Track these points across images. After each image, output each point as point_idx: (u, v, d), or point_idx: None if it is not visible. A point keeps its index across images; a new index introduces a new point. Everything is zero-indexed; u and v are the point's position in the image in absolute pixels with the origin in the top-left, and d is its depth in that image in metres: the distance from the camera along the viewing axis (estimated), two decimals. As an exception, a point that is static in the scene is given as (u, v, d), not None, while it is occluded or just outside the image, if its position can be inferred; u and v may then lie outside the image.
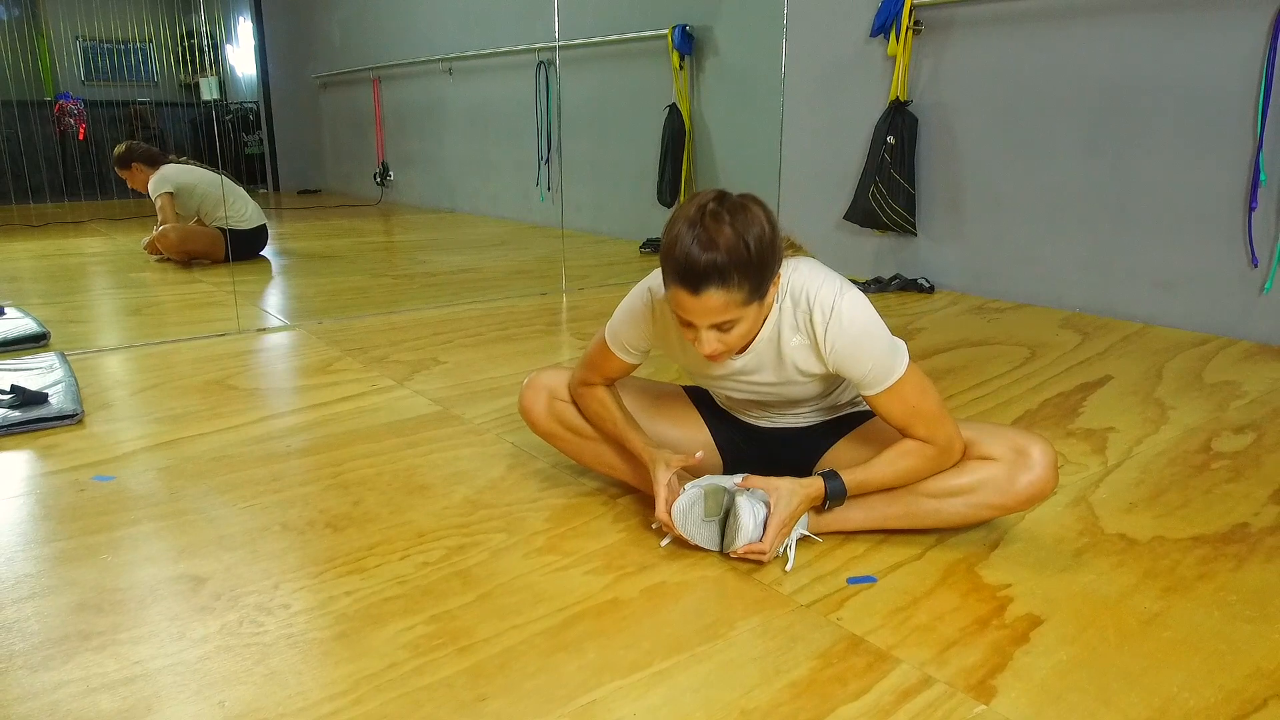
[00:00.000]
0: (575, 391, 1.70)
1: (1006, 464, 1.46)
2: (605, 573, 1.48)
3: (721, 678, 1.19)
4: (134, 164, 4.59)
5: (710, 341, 1.35)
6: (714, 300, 1.28)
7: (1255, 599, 1.39)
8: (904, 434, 1.47)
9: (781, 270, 1.38)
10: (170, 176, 4.59)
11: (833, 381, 1.55)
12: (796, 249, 1.47)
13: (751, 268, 1.28)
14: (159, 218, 4.55)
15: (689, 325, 1.35)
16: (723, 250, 1.25)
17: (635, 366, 1.63)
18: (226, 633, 1.29)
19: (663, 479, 1.53)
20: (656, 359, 2.70)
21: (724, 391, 1.63)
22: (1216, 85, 2.98)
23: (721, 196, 1.31)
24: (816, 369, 1.46)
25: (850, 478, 1.48)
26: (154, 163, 4.61)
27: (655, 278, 1.48)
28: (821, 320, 1.39)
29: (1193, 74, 3.04)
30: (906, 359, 1.43)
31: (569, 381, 1.72)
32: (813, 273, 1.43)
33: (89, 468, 1.92)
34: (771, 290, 1.35)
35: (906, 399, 1.42)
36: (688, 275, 1.27)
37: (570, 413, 1.72)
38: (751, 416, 1.68)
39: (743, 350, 1.48)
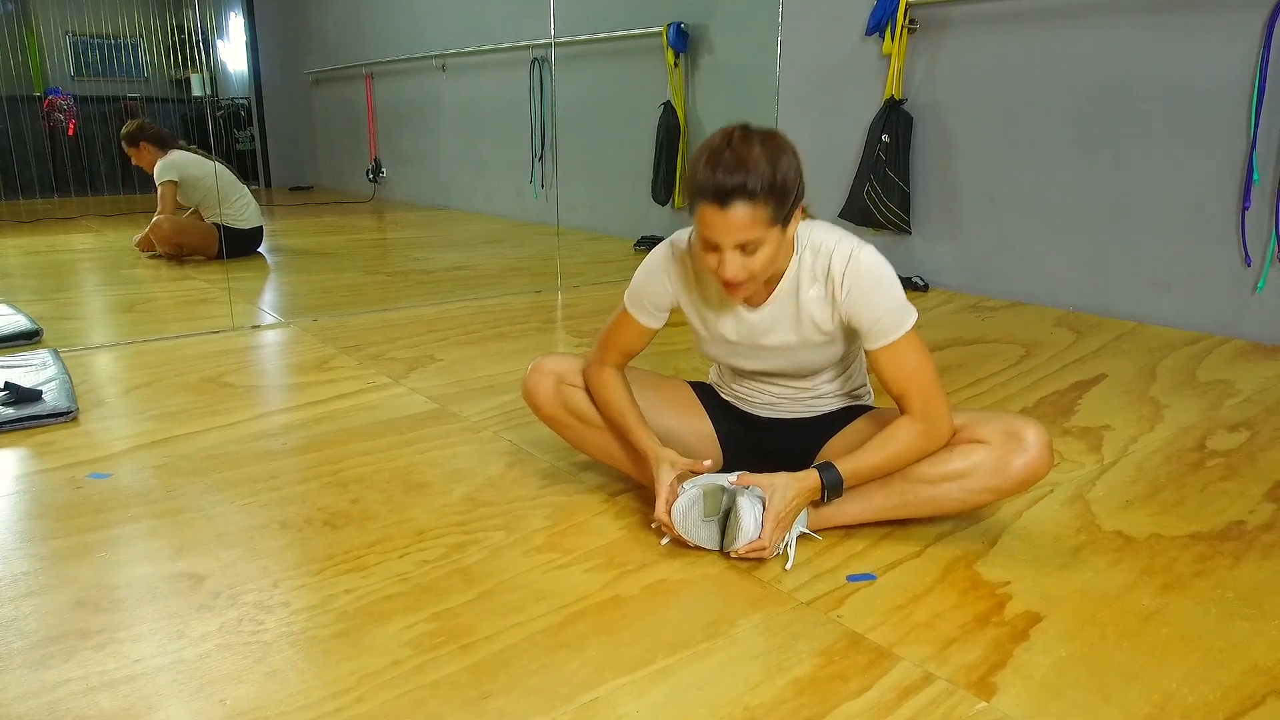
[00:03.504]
0: (589, 372, 1.69)
1: (999, 446, 1.46)
2: (606, 570, 1.48)
3: (724, 675, 1.19)
4: (142, 143, 4.51)
5: (733, 264, 1.36)
6: (740, 216, 1.31)
7: (1252, 596, 1.40)
8: (900, 402, 1.48)
9: (801, 227, 1.46)
10: (177, 164, 4.51)
11: (842, 347, 1.55)
12: (808, 215, 1.51)
13: (777, 187, 1.32)
14: (159, 206, 4.49)
15: (713, 250, 1.37)
16: (751, 168, 1.30)
17: (652, 336, 1.64)
18: (226, 631, 1.29)
19: (666, 479, 1.53)
20: (656, 357, 2.70)
21: (737, 362, 1.62)
22: (1210, 85, 3.00)
23: (748, 125, 1.36)
24: (830, 319, 1.48)
25: (844, 466, 1.48)
26: (163, 145, 4.54)
27: (676, 234, 1.57)
28: (840, 266, 1.43)
29: (1187, 73, 3.05)
30: (914, 320, 1.45)
31: (583, 364, 1.72)
32: (830, 230, 1.49)
33: (84, 465, 1.91)
34: (793, 224, 1.39)
35: (907, 359, 1.45)
36: (716, 190, 1.31)
37: (577, 399, 1.71)
38: (755, 405, 1.68)
39: (761, 302, 1.50)
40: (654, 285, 1.59)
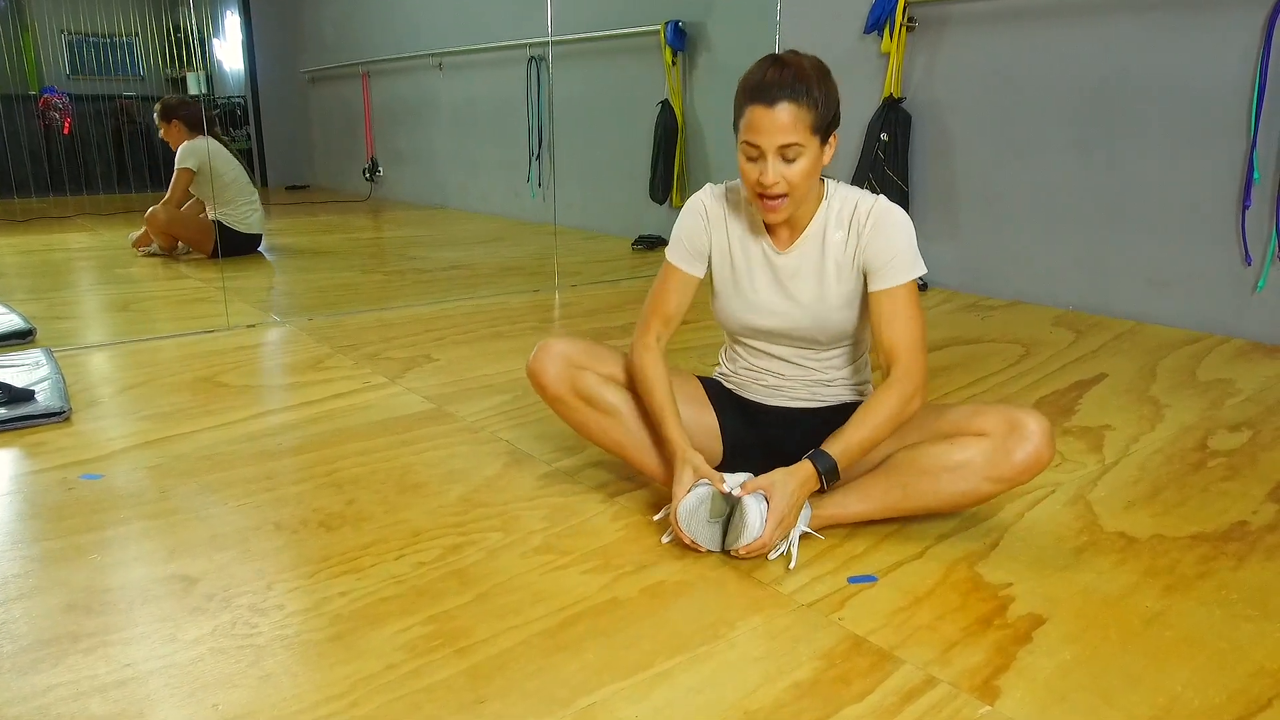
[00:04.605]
0: (634, 353, 1.66)
1: (1001, 436, 1.46)
2: (604, 572, 1.46)
3: (724, 678, 1.18)
4: (175, 120, 4.46)
5: (775, 169, 1.41)
6: (786, 115, 1.39)
7: (1256, 597, 1.39)
8: (887, 356, 1.51)
9: (829, 183, 1.55)
10: (199, 152, 4.44)
11: (858, 312, 1.57)
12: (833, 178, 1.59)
13: (822, 97, 1.40)
14: (169, 191, 4.45)
15: (756, 159, 1.43)
16: (799, 74, 1.40)
17: (693, 288, 1.66)
18: (219, 634, 1.27)
19: (686, 482, 1.51)
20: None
21: (756, 319, 1.61)
22: (1210, 83, 2.99)
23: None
24: (851, 263, 1.53)
25: (833, 448, 1.47)
26: (194, 127, 4.48)
27: (707, 185, 1.65)
28: (866, 208, 1.52)
29: (1187, 72, 3.04)
30: (919, 274, 1.52)
31: (632, 342, 1.68)
32: (857, 188, 1.57)
33: (77, 466, 1.90)
34: (829, 149, 1.46)
35: (905, 303, 1.51)
36: (763, 89, 1.40)
37: (586, 381, 1.67)
38: (760, 391, 1.68)
39: (790, 244, 1.55)
40: (692, 223, 1.63)
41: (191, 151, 4.45)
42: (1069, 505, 1.72)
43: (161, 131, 4.52)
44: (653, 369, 1.62)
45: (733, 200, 1.62)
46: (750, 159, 1.44)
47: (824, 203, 1.54)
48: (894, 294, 1.50)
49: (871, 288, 1.52)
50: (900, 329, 1.50)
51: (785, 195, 1.44)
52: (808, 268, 1.55)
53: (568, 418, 1.73)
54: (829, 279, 1.55)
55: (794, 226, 1.56)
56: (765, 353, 1.65)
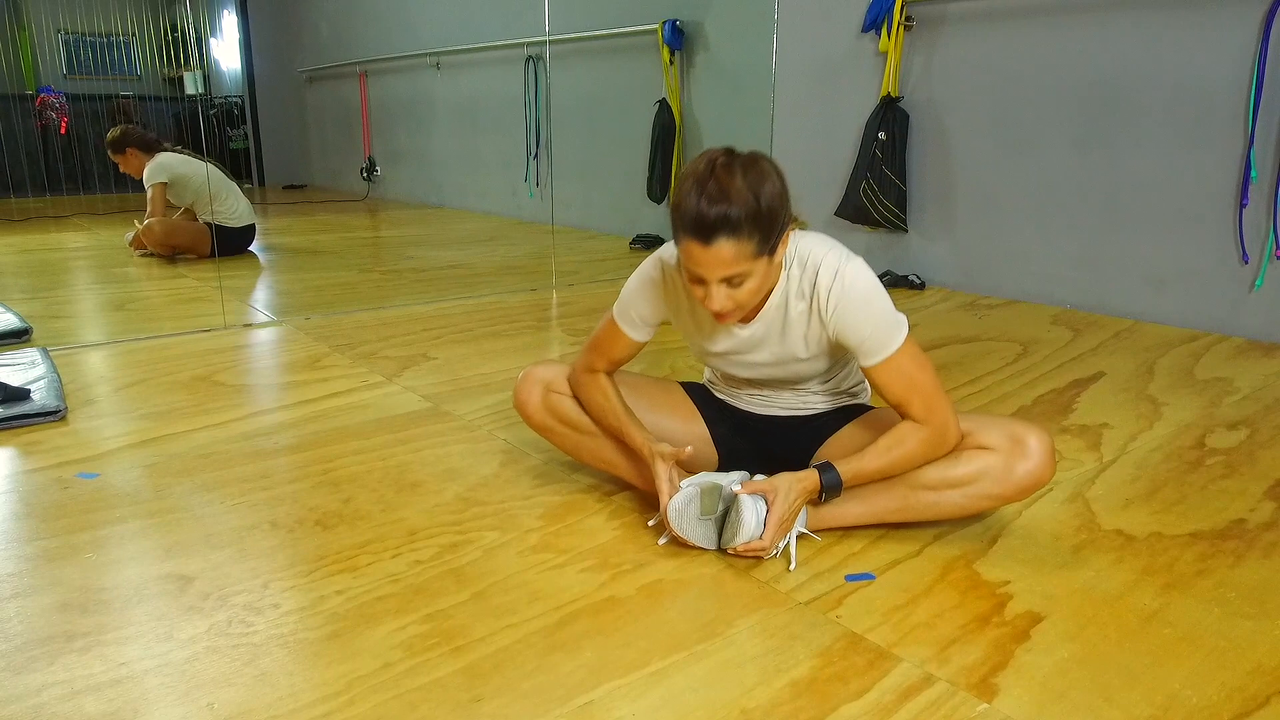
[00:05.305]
0: (576, 379, 1.67)
1: (1003, 453, 1.44)
2: (601, 571, 1.46)
3: (721, 677, 1.17)
4: (129, 149, 4.46)
5: (720, 297, 1.33)
6: (725, 251, 1.28)
7: (1254, 595, 1.39)
8: (901, 412, 1.46)
9: (789, 239, 1.39)
10: (166, 165, 4.47)
11: (834, 358, 1.54)
12: (801, 224, 1.48)
13: (762, 219, 1.28)
14: (149, 207, 4.45)
15: (700, 282, 1.34)
16: (734, 201, 1.26)
17: (640, 347, 1.61)
18: (215, 633, 1.26)
19: (664, 475, 1.51)
20: (650, 355, 2.68)
21: (730, 370, 1.61)
22: (1208, 81, 2.99)
23: (731, 151, 1.32)
24: (819, 337, 1.46)
25: (845, 468, 1.46)
26: (149, 149, 4.49)
27: (665, 248, 1.52)
28: (826, 282, 1.40)
29: (1184, 70, 3.04)
30: (906, 331, 1.42)
31: (569, 370, 1.70)
32: (819, 242, 1.44)
33: (72, 465, 1.89)
34: (781, 249, 1.35)
35: (904, 371, 1.41)
36: (699, 226, 1.27)
37: (567, 407, 1.69)
38: (750, 402, 1.67)
39: (750, 319, 1.48)
40: (643, 301, 1.56)
41: (157, 168, 4.45)
42: (1067, 503, 1.72)
43: (121, 165, 4.51)
44: (598, 387, 1.63)
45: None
46: (694, 280, 1.35)
47: (783, 273, 1.44)
48: (888, 365, 1.41)
49: (862, 364, 1.44)
50: (909, 394, 1.42)
51: (736, 309, 1.37)
52: (772, 337, 1.49)
53: (557, 443, 1.75)
54: (794, 345, 1.49)
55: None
56: (746, 382, 1.65)
